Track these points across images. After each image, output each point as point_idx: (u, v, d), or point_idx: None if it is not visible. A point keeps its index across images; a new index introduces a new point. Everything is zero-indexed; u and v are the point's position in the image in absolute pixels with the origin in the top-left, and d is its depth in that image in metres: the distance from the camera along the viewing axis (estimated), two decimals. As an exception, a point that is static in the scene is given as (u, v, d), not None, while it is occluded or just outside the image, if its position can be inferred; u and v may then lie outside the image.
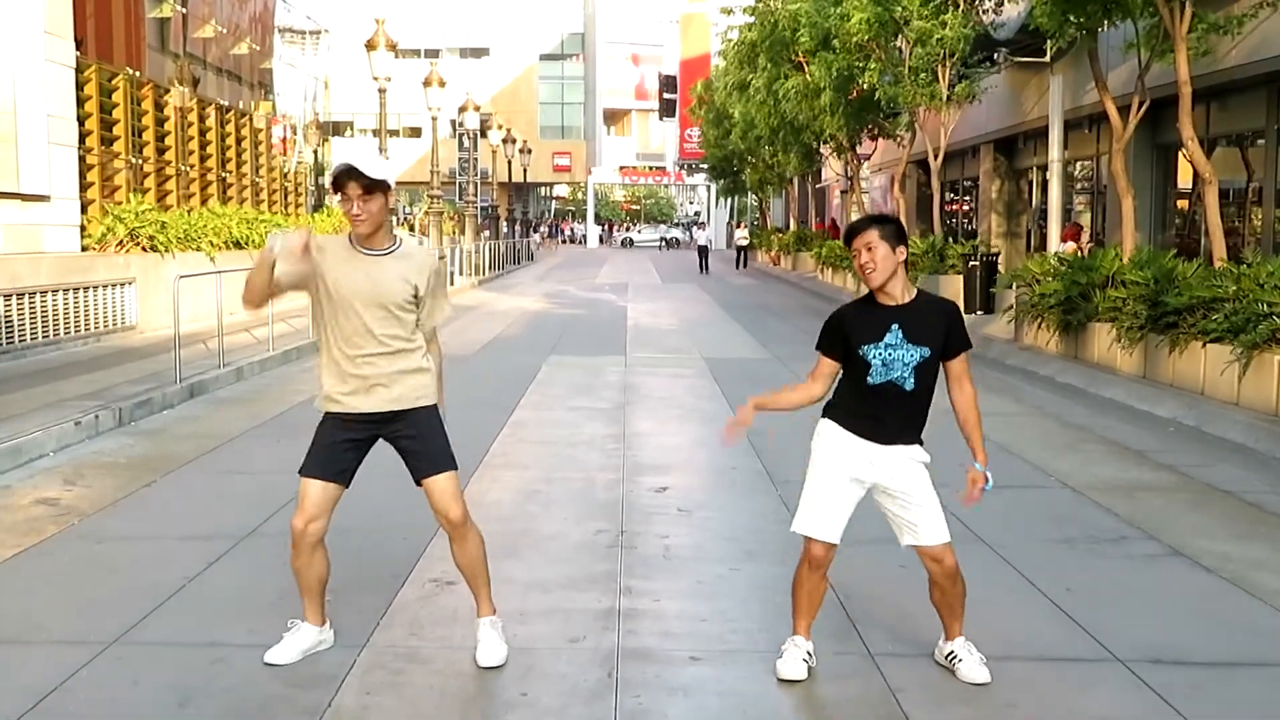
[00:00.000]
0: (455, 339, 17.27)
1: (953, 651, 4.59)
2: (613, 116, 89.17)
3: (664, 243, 78.97)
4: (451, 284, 29.39)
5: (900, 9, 20.88)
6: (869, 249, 4.34)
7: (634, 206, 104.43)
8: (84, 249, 15.68)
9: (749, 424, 4.62)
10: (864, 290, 4.55)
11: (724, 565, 6.14)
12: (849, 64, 23.94)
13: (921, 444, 4.53)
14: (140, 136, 18.19)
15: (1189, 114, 13.71)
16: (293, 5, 47.90)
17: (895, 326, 4.38)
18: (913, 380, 4.39)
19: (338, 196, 4.48)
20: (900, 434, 4.46)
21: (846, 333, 4.45)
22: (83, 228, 15.76)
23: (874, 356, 4.39)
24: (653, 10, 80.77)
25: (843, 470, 4.47)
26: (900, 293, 4.40)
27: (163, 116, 19.10)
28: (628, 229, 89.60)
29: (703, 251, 45.09)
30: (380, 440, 4.66)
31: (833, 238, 35.59)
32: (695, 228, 64.16)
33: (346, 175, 4.42)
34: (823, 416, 4.59)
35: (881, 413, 4.43)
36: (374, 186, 4.42)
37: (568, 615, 5.26)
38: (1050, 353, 15.31)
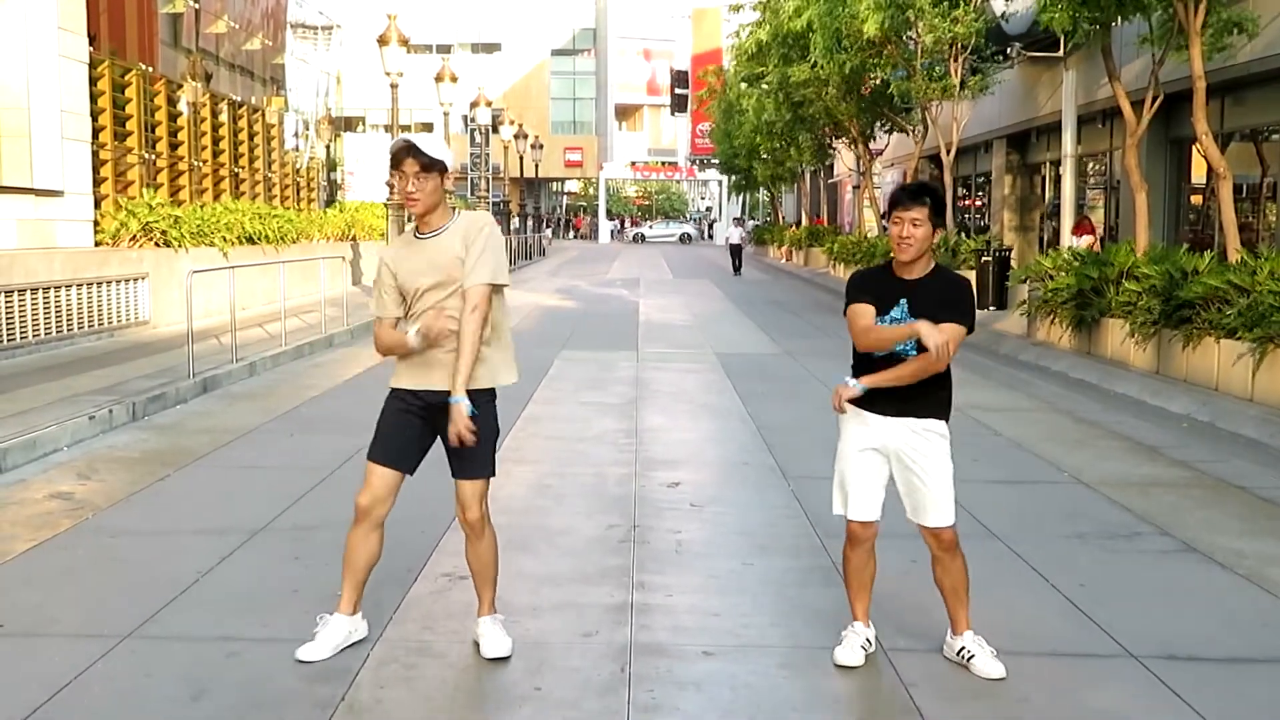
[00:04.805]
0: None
1: (964, 647, 4.59)
2: (624, 112, 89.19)
3: (685, 237, 79.05)
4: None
5: (914, 8, 20.83)
6: (914, 224, 4.35)
7: (645, 202, 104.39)
8: (97, 244, 15.71)
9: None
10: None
11: (736, 560, 6.14)
12: (861, 61, 23.92)
13: (944, 419, 4.52)
14: (153, 132, 18.22)
15: (1203, 109, 13.65)
16: (305, 1, 47.97)
17: (903, 301, 4.40)
18: (915, 354, 4.38)
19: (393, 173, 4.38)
20: (910, 405, 4.45)
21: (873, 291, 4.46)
22: (96, 223, 15.80)
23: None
24: (664, 5, 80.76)
25: (860, 448, 4.50)
26: (920, 269, 4.44)
27: (175, 112, 19.13)
28: (637, 224, 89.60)
29: (735, 251, 39.48)
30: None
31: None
32: (733, 223, 51.41)
33: (404, 151, 4.33)
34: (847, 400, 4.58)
35: (890, 388, 4.42)
36: (431, 165, 4.34)
37: (580, 610, 5.26)
38: (1063, 348, 15.27)
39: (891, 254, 4.51)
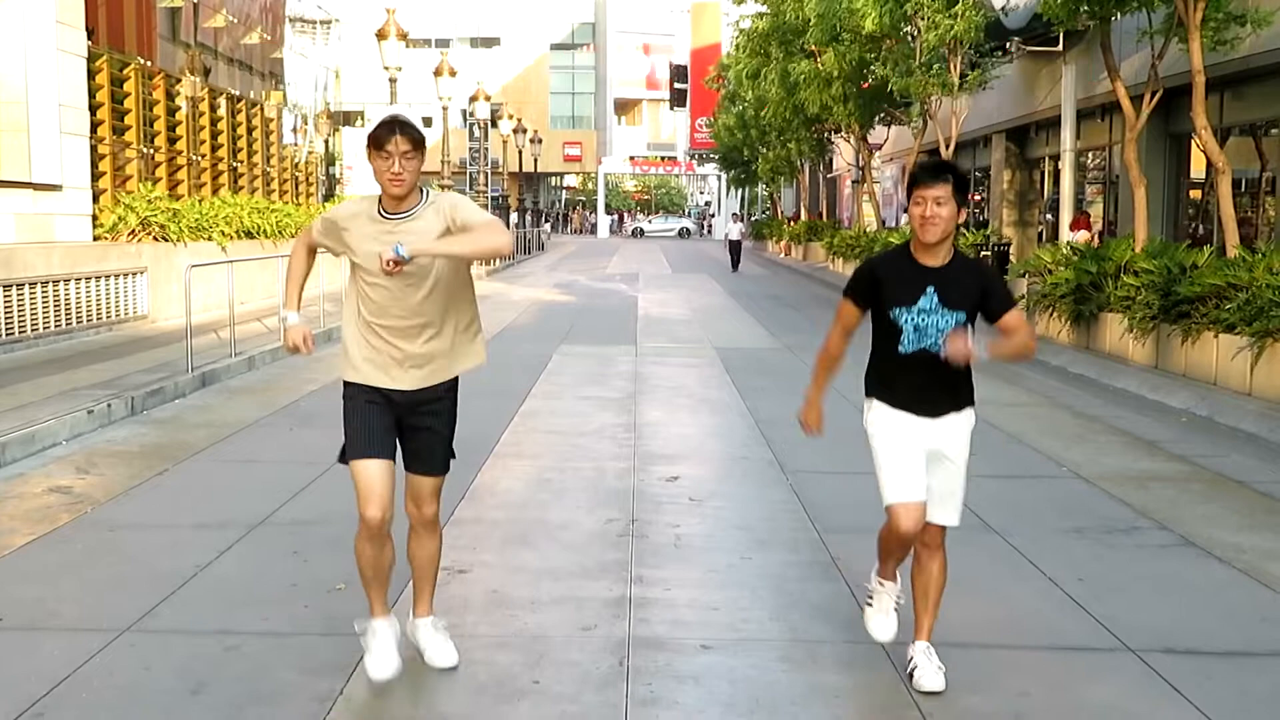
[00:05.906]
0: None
1: (913, 658, 4.39)
2: (623, 106, 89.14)
3: (684, 232, 79.19)
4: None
5: (912, 2, 20.82)
6: (939, 203, 4.07)
7: (644, 196, 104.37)
8: (95, 238, 15.70)
9: (819, 426, 4.48)
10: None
11: (735, 554, 6.14)
12: (860, 55, 23.95)
13: (973, 405, 4.36)
14: (152, 126, 18.19)
15: (1202, 103, 13.63)
16: (303, -5, 47.90)
17: (931, 289, 4.14)
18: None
19: (376, 152, 4.12)
20: (948, 404, 4.26)
21: (880, 287, 4.21)
22: (94, 217, 15.79)
23: (906, 321, 4.15)
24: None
25: (904, 435, 4.24)
26: (943, 254, 4.18)
27: (174, 106, 19.10)
28: (635, 218, 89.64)
29: (735, 247, 38.06)
30: None
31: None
32: (731, 218, 46.95)
33: (394, 129, 4.08)
34: (868, 396, 4.36)
35: (921, 387, 4.22)
36: (421, 144, 4.13)
37: (579, 603, 5.26)
38: (1062, 343, 15.28)
39: (911, 236, 4.24)
